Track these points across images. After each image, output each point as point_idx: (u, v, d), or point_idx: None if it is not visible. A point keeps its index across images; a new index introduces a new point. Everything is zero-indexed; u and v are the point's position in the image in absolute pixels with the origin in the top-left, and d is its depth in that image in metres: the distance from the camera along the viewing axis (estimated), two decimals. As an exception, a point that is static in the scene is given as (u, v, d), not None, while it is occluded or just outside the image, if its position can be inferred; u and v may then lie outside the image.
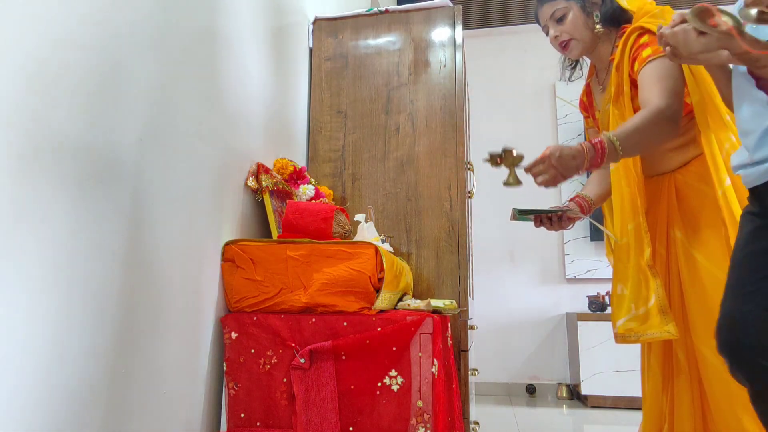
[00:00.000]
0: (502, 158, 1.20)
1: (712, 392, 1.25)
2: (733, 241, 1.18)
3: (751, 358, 0.90)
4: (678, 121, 1.24)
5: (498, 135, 4.29)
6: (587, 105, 1.64)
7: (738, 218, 1.18)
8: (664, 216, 1.40)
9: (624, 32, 1.41)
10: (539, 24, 1.55)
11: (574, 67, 1.64)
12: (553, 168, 1.15)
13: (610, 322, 3.37)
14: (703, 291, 1.28)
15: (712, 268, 1.27)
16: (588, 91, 1.62)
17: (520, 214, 1.38)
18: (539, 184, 1.19)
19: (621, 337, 1.35)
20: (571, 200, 1.55)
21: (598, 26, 1.44)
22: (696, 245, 1.31)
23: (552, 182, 1.17)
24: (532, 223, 1.45)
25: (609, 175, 1.46)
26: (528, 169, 1.19)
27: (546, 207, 1.46)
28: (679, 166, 1.38)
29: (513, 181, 1.21)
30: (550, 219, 1.43)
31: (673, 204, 1.38)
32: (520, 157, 1.19)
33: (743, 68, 0.95)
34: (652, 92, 1.24)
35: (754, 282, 0.93)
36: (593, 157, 1.17)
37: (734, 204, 1.20)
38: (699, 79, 1.27)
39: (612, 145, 1.17)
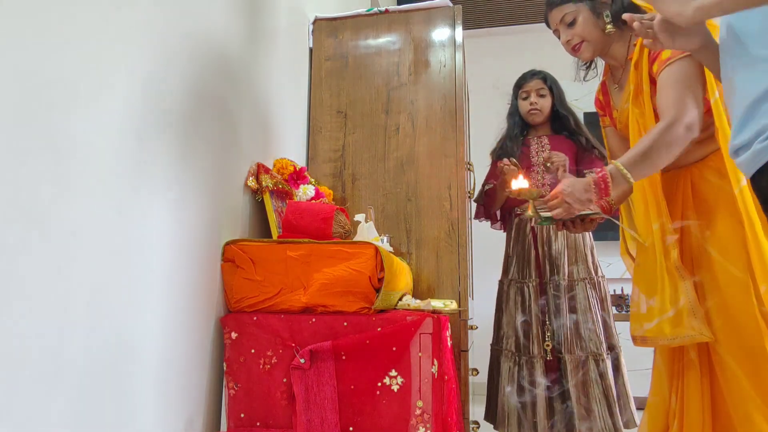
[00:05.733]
0: (523, 192, 1.36)
1: (730, 393, 1.23)
2: (750, 244, 1.17)
3: None
4: (695, 128, 1.23)
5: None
6: (604, 104, 1.62)
7: (755, 220, 1.17)
8: (678, 211, 1.38)
9: None
10: (549, 28, 1.54)
11: (589, 67, 1.62)
12: (566, 203, 1.28)
13: (609, 322, 3.38)
14: (719, 289, 1.26)
15: (726, 265, 1.24)
16: (604, 90, 1.61)
17: (543, 219, 1.40)
18: (555, 216, 1.31)
19: (650, 341, 1.32)
20: None
21: (609, 26, 1.43)
22: (711, 240, 1.29)
23: (566, 215, 1.30)
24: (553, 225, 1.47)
25: None
26: (544, 203, 1.33)
27: None
28: (697, 161, 1.36)
29: (533, 214, 1.36)
30: (573, 221, 1.43)
31: (688, 198, 1.36)
32: (540, 192, 1.36)
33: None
34: (669, 100, 1.24)
35: None
36: (599, 190, 1.26)
37: (750, 205, 1.18)
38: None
39: (619, 174, 1.24)
